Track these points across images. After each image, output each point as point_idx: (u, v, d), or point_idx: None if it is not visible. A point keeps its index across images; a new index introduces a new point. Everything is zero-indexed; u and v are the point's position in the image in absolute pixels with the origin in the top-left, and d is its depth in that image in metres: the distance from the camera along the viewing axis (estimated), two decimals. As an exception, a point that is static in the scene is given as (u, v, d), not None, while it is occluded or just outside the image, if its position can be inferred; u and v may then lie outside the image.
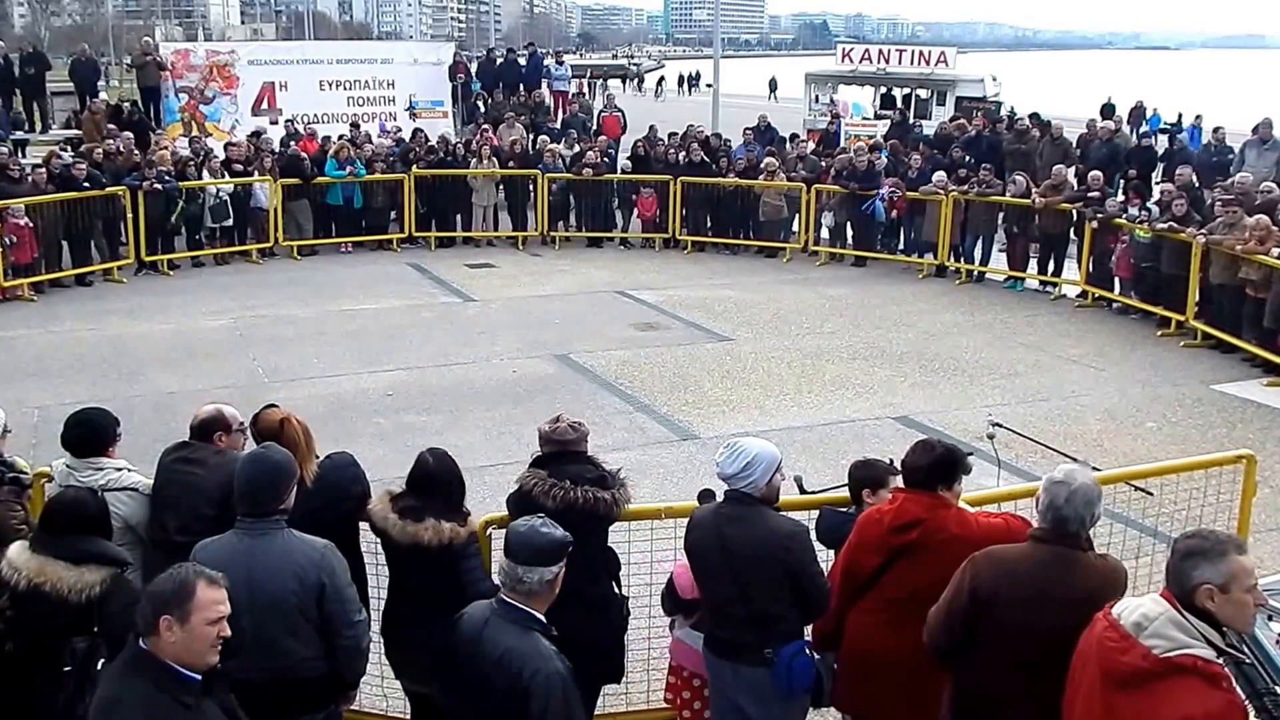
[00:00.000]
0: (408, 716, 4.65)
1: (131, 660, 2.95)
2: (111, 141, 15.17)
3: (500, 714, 3.16)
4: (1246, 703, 3.93)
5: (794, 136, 19.14)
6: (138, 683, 2.89)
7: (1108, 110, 20.70)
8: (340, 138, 16.89)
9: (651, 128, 18.25)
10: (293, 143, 17.07)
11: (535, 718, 3.08)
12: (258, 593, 3.52)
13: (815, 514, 4.56)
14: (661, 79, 57.31)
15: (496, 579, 3.42)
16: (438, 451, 4.26)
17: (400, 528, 4.04)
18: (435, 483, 4.14)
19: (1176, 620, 2.83)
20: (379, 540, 4.24)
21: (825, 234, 16.15)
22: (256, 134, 17.01)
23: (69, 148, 16.53)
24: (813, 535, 4.16)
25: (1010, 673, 3.39)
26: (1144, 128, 20.98)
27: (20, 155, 15.71)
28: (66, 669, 3.59)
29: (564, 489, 4.13)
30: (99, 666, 3.65)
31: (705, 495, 4.32)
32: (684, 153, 16.80)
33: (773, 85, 50.58)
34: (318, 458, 4.32)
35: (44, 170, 13.48)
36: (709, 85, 58.89)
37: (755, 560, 3.84)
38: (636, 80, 59.65)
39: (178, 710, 2.88)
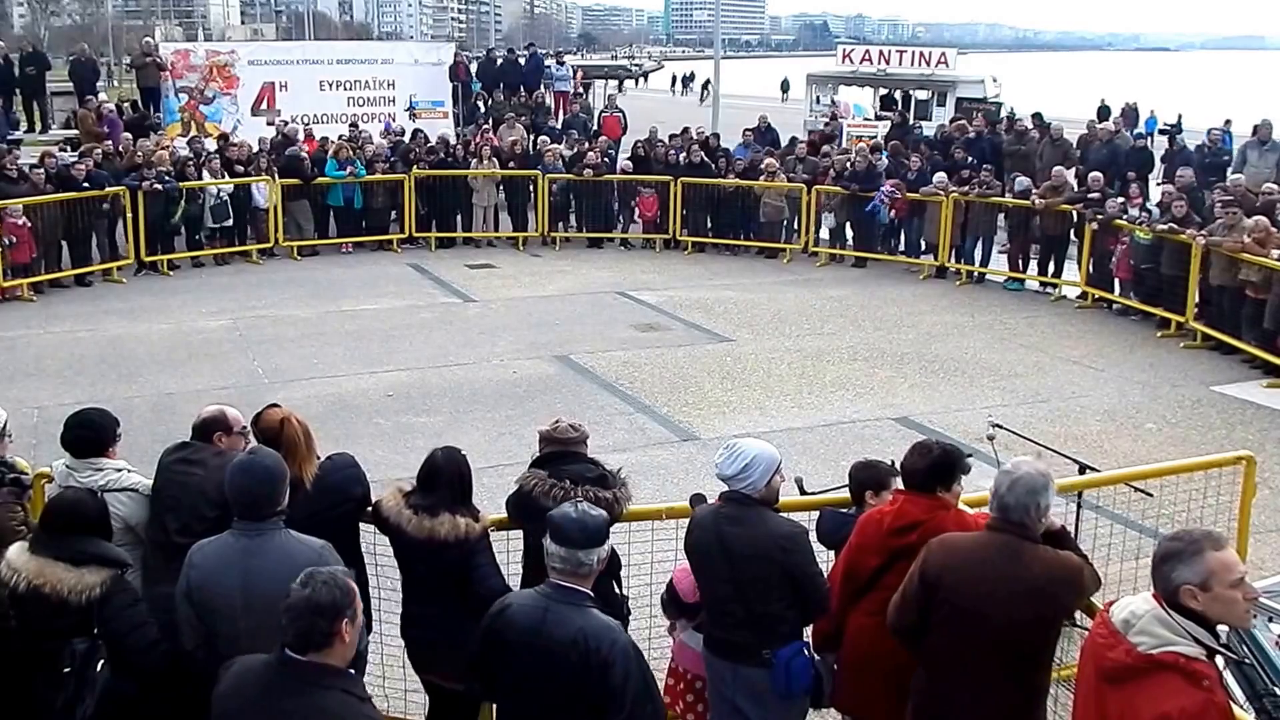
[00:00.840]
0: (408, 717, 4.65)
1: (303, 677, 2.85)
2: (109, 142, 15.16)
3: (576, 692, 3.21)
4: (1246, 703, 3.94)
5: (793, 140, 18.95)
6: (331, 695, 2.85)
7: (1103, 113, 20.58)
8: (340, 138, 16.88)
9: (653, 129, 18.25)
10: (296, 144, 17.01)
11: (618, 685, 3.18)
12: (253, 594, 3.49)
13: (816, 515, 4.56)
14: (706, 81, 55.64)
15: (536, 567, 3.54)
16: (448, 448, 4.26)
17: (416, 523, 4.04)
18: (443, 477, 4.14)
19: (1162, 618, 2.85)
20: (389, 539, 4.23)
21: (825, 235, 16.15)
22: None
23: (68, 148, 16.52)
24: (813, 536, 4.16)
25: (962, 658, 3.45)
26: (1137, 129, 20.84)
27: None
28: (66, 670, 3.59)
29: (564, 489, 4.13)
30: (98, 668, 3.64)
31: (696, 499, 4.31)
32: (684, 154, 16.80)
33: (785, 86, 50.22)
34: (318, 459, 4.32)
35: (42, 170, 13.47)
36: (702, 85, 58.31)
37: (754, 561, 3.84)
38: (626, 82, 58.90)
39: (365, 706, 2.95)
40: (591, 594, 3.35)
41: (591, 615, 3.27)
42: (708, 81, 55.55)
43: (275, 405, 4.37)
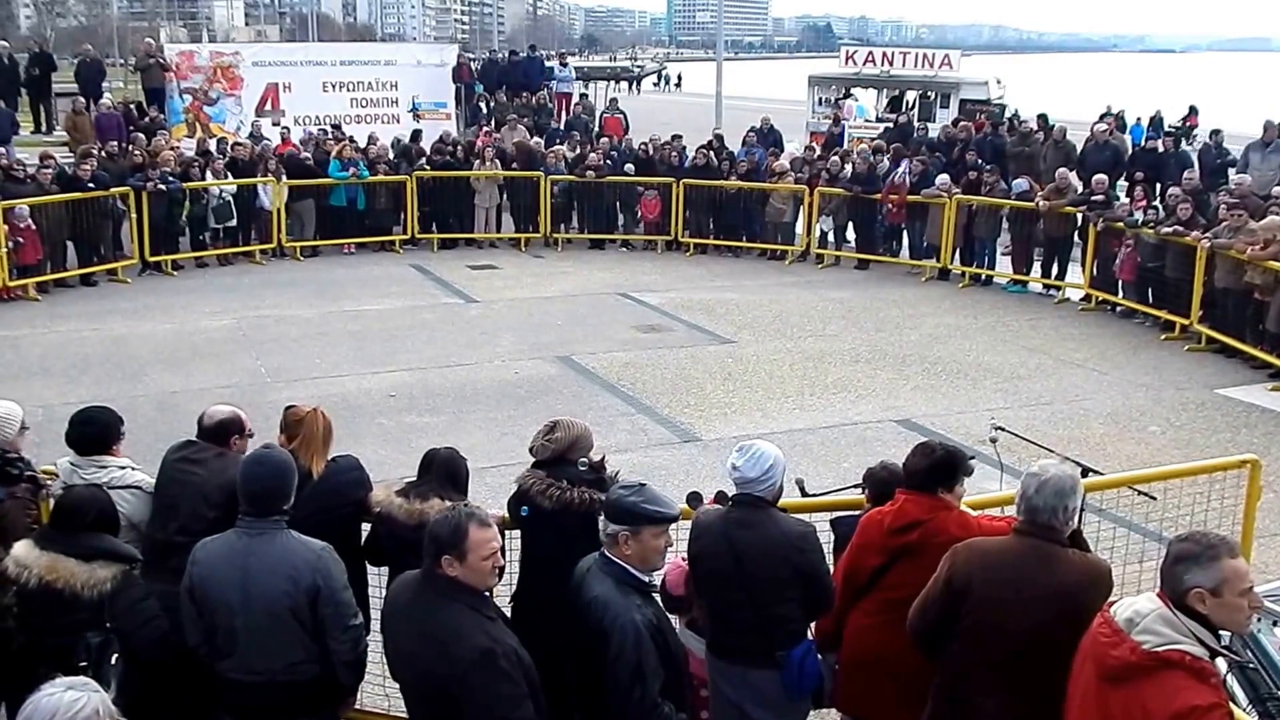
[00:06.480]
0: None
1: (429, 582, 3.26)
2: (114, 143, 15.18)
3: (589, 652, 3.47)
4: (1250, 707, 3.93)
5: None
6: (457, 607, 3.21)
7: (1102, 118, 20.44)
8: (325, 139, 16.90)
9: (627, 140, 18.18)
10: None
11: (611, 659, 3.39)
12: (252, 593, 3.52)
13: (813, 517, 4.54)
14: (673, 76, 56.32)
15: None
16: (447, 448, 4.34)
17: (407, 508, 4.08)
18: (435, 465, 4.21)
19: (1167, 618, 2.85)
20: (383, 543, 4.22)
21: (830, 237, 16.13)
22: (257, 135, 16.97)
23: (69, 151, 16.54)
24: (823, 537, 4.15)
25: (988, 665, 3.42)
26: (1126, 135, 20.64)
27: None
28: (83, 664, 3.59)
29: (560, 489, 4.14)
30: (112, 662, 3.66)
31: (694, 498, 4.30)
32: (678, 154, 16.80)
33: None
34: (327, 461, 4.35)
35: (48, 170, 13.49)
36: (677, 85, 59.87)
37: (768, 563, 3.82)
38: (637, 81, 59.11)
39: (488, 622, 3.26)
40: (635, 573, 3.52)
41: (612, 587, 3.46)
42: (669, 75, 57.80)
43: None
